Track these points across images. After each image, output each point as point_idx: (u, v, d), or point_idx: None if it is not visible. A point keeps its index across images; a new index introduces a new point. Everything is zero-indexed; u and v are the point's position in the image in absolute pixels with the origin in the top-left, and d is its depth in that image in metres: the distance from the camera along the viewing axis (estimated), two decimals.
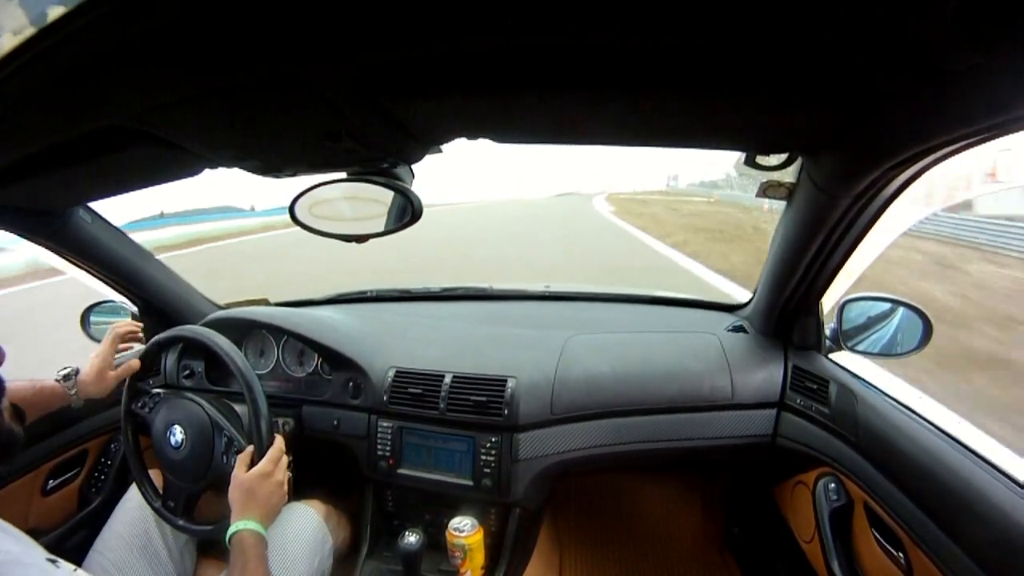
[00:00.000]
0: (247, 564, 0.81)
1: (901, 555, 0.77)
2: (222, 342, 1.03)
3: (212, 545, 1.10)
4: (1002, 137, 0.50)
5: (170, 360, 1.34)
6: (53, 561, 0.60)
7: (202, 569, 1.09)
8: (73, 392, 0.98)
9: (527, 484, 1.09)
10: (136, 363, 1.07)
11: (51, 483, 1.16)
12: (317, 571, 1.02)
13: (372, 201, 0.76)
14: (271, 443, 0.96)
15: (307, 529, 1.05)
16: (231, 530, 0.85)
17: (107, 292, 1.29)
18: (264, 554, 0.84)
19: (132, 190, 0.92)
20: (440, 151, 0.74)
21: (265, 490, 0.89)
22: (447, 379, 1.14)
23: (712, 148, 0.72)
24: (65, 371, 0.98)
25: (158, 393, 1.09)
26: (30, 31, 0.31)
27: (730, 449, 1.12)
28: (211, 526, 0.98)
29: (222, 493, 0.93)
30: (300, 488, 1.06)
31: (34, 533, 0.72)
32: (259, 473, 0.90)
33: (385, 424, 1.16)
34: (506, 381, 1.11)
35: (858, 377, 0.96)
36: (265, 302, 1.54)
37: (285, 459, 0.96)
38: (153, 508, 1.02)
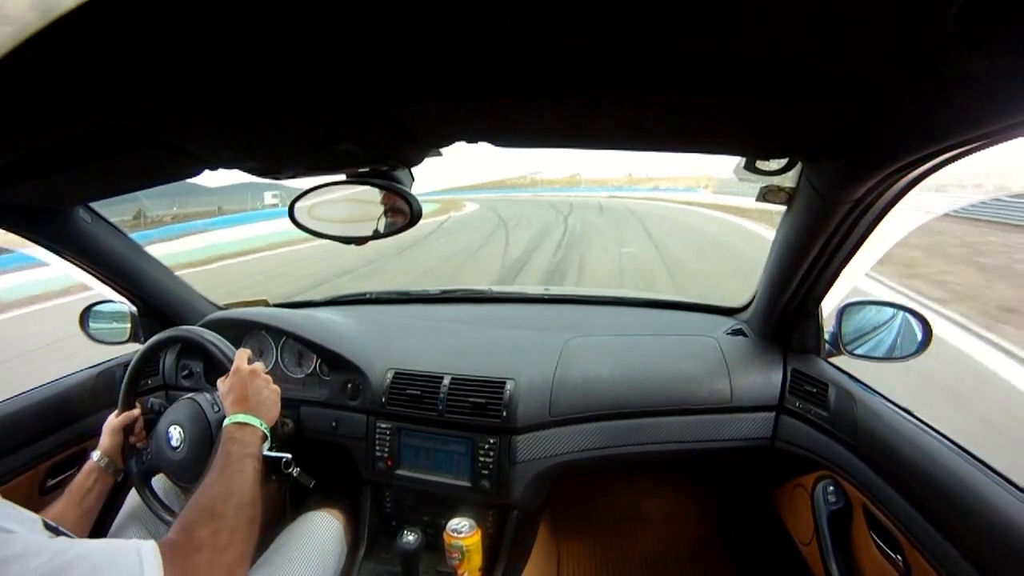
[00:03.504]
0: (229, 457, 0.78)
1: (899, 558, 0.77)
2: (220, 342, 1.03)
3: None
4: (1003, 142, 0.50)
5: (168, 360, 1.34)
6: (54, 529, 0.59)
7: None
8: (105, 463, 0.99)
9: (525, 486, 1.09)
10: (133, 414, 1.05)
11: (50, 482, 1.16)
12: None
13: (371, 203, 0.77)
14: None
15: (330, 540, 1.06)
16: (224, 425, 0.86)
17: (107, 292, 1.29)
18: (253, 451, 0.82)
19: (132, 190, 0.92)
20: (440, 154, 0.74)
21: (252, 387, 0.91)
22: (446, 381, 1.14)
23: (712, 152, 0.72)
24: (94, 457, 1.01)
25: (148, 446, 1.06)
26: (30, 31, 0.31)
27: (729, 452, 1.12)
28: None
29: None
30: (317, 493, 1.06)
31: None
32: (236, 373, 0.93)
33: (384, 425, 1.16)
34: (504, 383, 1.11)
35: (857, 381, 0.96)
36: (264, 303, 1.54)
37: (260, 365, 0.98)
38: None
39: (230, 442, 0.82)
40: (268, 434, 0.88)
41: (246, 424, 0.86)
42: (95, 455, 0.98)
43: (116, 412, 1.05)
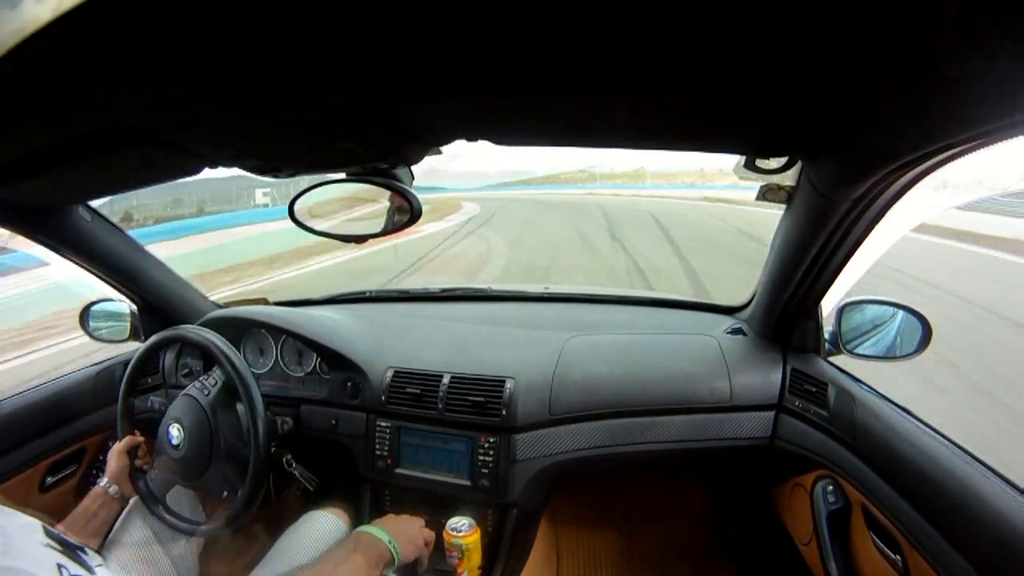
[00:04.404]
0: (339, 564, 0.76)
1: (898, 557, 0.77)
2: (219, 342, 1.03)
3: (213, 546, 1.10)
4: (1002, 141, 0.50)
5: (168, 359, 1.34)
6: (55, 536, 0.58)
7: None
8: (113, 490, 0.99)
9: (525, 485, 1.09)
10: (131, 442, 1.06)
11: (49, 480, 1.16)
12: None
13: (371, 201, 0.77)
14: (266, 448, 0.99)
15: (335, 539, 1.05)
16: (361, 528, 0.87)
17: (107, 290, 1.29)
18: (365, 559, 0.78)
19: (131, 189, 0.93)
20: (439, 152, 0.74)
21: (408, 525, 0.93)
22: (445, 379, 1.14)
23: (712, 151, 0.72)
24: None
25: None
26: (30, 29, 0.31)
27: (728, 451, 1.12)
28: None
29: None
30: (320, 493, 1.08)
31: None
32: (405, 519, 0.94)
33: (383, 424, 1.16)
34: (504, 382, 1.11)
35: (857, 380, 0.96)
36: (264, 301, 1.54)
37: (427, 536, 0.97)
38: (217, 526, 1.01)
39: (350, 542, 0.81)
40: (396, 556, 0.83)
41: (373, 535, 0.83)
42: (102, 481, 0.98)
43: (118, 438, 1.06)
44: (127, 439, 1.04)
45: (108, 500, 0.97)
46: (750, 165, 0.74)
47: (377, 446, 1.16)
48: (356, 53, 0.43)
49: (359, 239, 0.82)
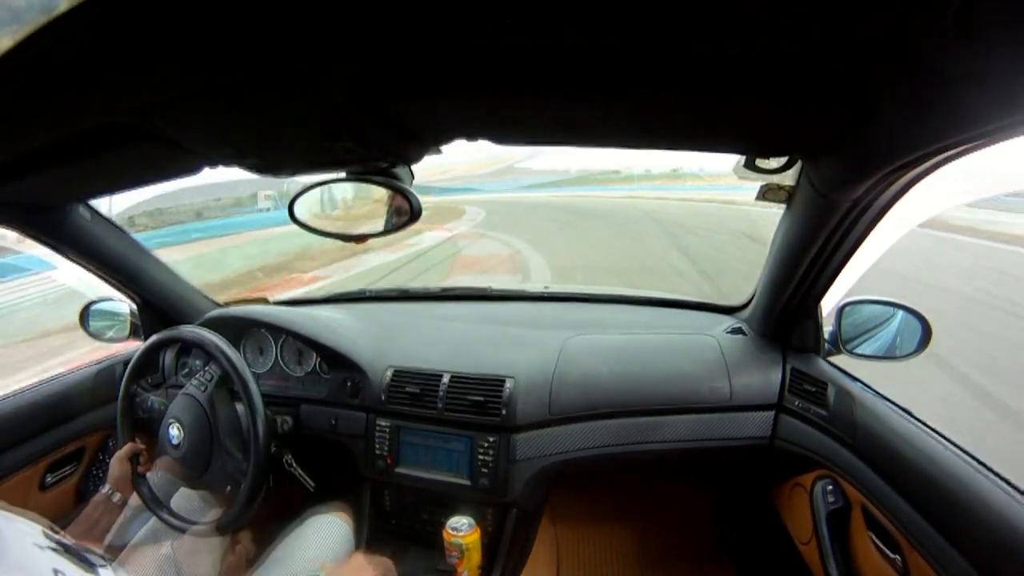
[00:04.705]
0: None
1: (898, 558, 0.77)
2: (218, 341, 1.03)
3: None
4: (1002, 141, 0.50)
5: (168, 358, 1.34)
6: (57, 542, 0.58)
7: None
8: (117, 498, 0.99)
9: (524, 484, 1.09)
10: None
11: (49, 479, 1.16)
12: None
13: (371, 201, 0.77)
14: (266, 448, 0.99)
15: (340, 542, 1.05)
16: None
17: (106, 290, 1.29)
18: None
19: (131, 188, 0.92)
20: (439, 151, 0.74)
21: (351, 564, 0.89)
22: (445, 379, 1.14)
23: (712, 151, 0.72)
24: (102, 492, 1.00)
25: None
26: (30, 28, 0.31)
27: (728, 451, 1.12)
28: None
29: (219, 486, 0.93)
30: (320, 492, 1.07)
31: None
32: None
33: (383, 423, 1.16)
34: (504, 381, 1.11)
35: (857, 380, 0.96)
36: (264, 301, 1.54)
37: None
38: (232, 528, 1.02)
39: None
40: None
41: None
42: (104, 488, 0.98)
43: (118, 438, 1.06)
44: (128, 445, 1.04)
45: (110, 507, 0.97)
46: (750, 165, 0.73)
47: (377, 445, 1.16)
48: (356, 52, 0.43)
49: (359, 239, 0.82)
